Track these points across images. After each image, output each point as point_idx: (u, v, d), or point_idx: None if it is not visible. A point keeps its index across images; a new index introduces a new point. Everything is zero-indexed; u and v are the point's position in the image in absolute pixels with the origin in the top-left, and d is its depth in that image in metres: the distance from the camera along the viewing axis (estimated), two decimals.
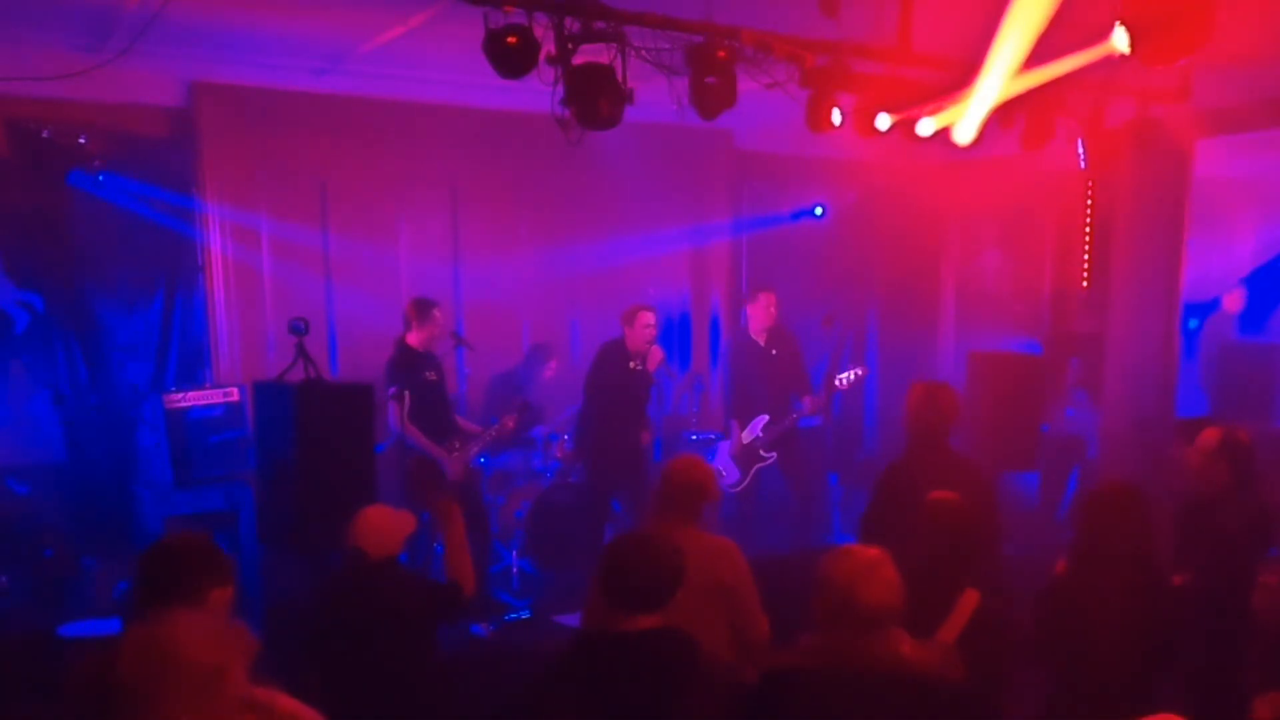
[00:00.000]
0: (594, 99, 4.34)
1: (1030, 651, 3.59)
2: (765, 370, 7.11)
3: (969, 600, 3.19)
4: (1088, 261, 7.03)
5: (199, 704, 1.76)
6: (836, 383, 7.27)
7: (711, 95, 4.58)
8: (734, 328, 8.75)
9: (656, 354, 6.47)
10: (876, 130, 5.26)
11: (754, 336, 7.19)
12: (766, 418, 7.08)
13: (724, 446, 7.31)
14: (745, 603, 3.44)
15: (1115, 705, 3.19)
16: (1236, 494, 3.99)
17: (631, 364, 6.40)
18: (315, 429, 5.01)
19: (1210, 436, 4.10)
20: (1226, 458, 4.03)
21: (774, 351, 7.13)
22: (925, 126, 5.24)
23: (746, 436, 7.13)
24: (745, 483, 7.16)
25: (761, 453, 7.11)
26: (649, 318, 6.41)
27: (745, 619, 3.44)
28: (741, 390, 7.26)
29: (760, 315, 7.16)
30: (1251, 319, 9.18)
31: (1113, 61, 3.98)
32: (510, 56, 4.15)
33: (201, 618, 2.50)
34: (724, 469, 7.19)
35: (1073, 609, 3.47)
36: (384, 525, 3.60)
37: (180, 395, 5.96)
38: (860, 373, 7.41)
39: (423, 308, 6.06)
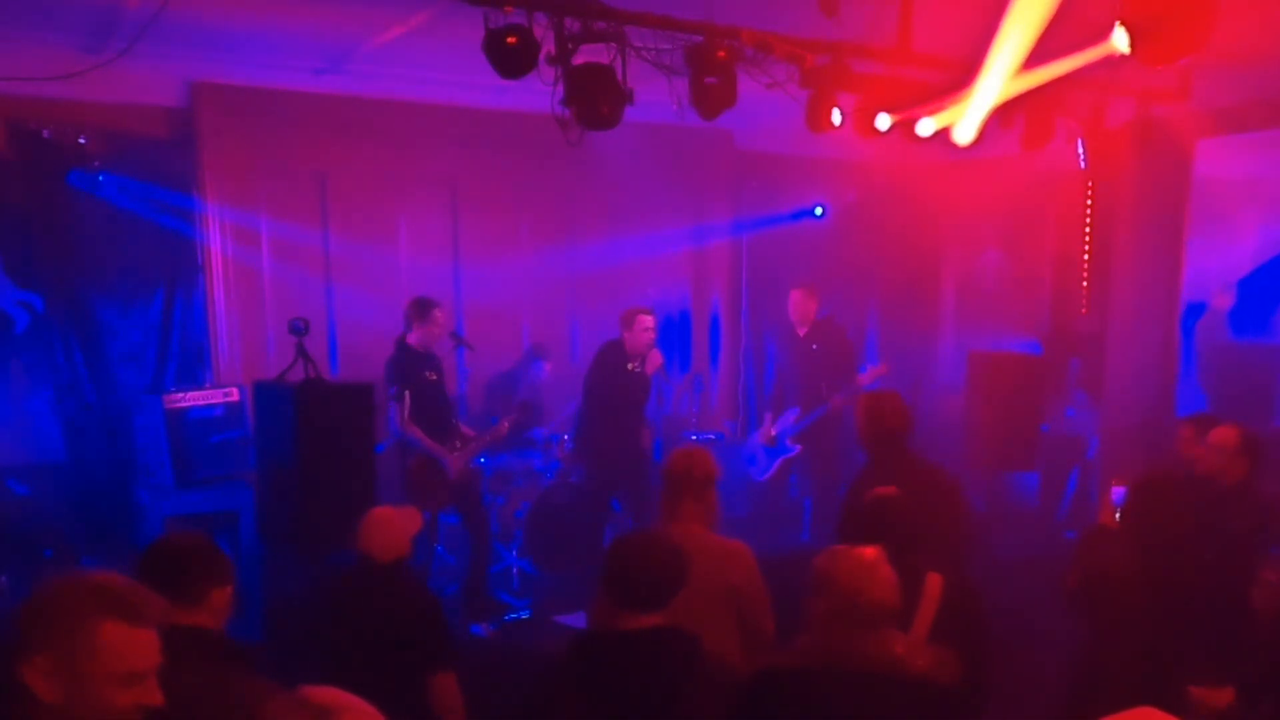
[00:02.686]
0: (594, 99, 4.34)
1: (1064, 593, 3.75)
2: (800, 363, 7.19)
3: (934, 583, 3.21)
4: (1088, 261, 7.03)
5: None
6: (860, 378, 7.25)
7: (711, 95, 4.57)
8: (735, 326, 8.79)
9: (656, 358, 6.47)
10: (876, 130, 5.26)
11: (795, 328, 7.27)
12: (798, 410, 7.12)
13: (756, 436, 7.42)
14: (754, 605, 3.46)
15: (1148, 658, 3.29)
16: (1247, 491, 4.00)
17: (630, 365, 6.41)
18: (315, 429, 5.02)
19: (1231, 435, 4.11)
20: (1249, 455, 4.05)
21: (814, 345, 7.17)
22: (925, 126, 5.24)
23: (776, 428, 7.17)
24: (772, 474, 7.20)
25: (787, 444, 7.14)
26: (648, 321, 6.41)
27: (754, 621, 3.46)
28: (778, 381, 7.41)
29: (793, 311, 7.25)
30: (1252, 319, 9.18)
31: (1113, 61, 3.98)
32: (510, 56, 4.15)
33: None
34: (754, 459, 7.24)
35: (1110, 565, 3.63)
36: (391, 526, 3.58)
37: (180, 395, 5.95)
38: (882, 369, 7.35)
39: (423, 307, 6.05)
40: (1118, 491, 3.88)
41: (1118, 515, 3.84)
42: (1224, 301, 9.06)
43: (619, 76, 4.36)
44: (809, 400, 7.12)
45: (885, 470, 4.09)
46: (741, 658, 3.32)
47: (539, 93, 4.33)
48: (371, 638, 3.43)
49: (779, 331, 7.60)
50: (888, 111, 5.21)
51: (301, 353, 5.20)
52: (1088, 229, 7.00)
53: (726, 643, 3.27)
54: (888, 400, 4.38)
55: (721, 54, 4.50)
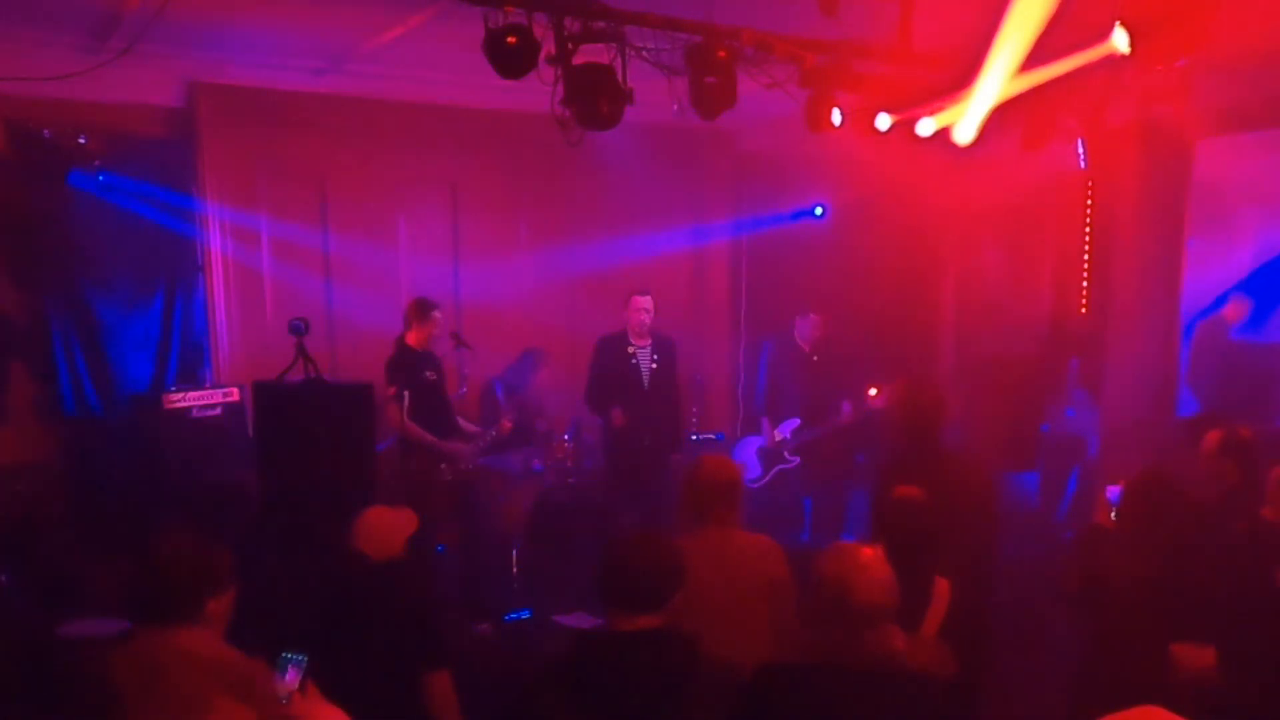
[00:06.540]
0: (594, 99, 4.35)
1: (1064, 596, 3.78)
2: (804, 374, 7.21)
3: (943, 589, 3.22)
4: (1088, 261, 7.03)
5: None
6: (869, 394, 7.17)
7: (711, 95, 4.57)
8: (735, 326, 8.78)
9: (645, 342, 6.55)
10: (876, 130, 5.26)
11: (799, 342, 7.29)
12: (799, 421, 7.12)
13: (751, 441, 7.39)
14: (788, 597, 3.45)
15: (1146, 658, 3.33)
16: (1243, 495, 3.98)
17: (627, 350, 6.47)
18: (315, 429, 5.02)
19: (1212, 439, 4.09)
20: (1232, 458, 4.02)
21: (815, 358, 7.22)
22: (925, 126, 5.24)
23: (777, 435, 7.17)
24: (765, 480, 7.21)
25: (786, 454, 7.15)
26: (642, 301, 6.48)
27: (783, 613, 3.43)
28: (775, 389, 7.34)
29: (806, 332, 7.27)
30: (1252, 319, 9.15)
31: (1113, 61, 3.98)
32: (510, 56, 4.15)
33: (198, 637, 2.50)
34: (747, 464, 7.24)
35: (1108, 566, 3.63)
36: (385, 526, 3.58)
37: (180, 395, 5.96)
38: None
39: (423, 308, 6.05)
40: (1112, 490, 3.87)
41: (1113, 515, 3.83)
42: (1236, 313, 8.94)
43: (619, 76, 4.36)
44: (812, 412, 7.10)
45: (915, 464, 4.07)
46: (771, 650, 3.31)
47: (539, 93, 4.34)
48: (365, 637, 3.42)
49: (780, 343, 7.49)
50: (888, 111, 5.21)
51: (301, 353, 5.21)
52: (1088, 229, 6.99)
53: (760, 636, 3.29)
54: (926, 392, 4.31)
55: (721, 54, 4.51)
